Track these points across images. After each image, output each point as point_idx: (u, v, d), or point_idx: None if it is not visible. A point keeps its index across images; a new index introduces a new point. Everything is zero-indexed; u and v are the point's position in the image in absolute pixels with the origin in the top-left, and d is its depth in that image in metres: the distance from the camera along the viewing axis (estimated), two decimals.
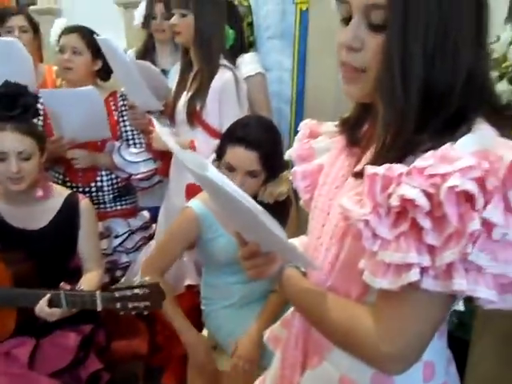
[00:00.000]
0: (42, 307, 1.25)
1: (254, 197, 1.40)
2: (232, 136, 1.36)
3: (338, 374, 0.72)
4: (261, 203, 1.38)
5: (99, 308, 1.22)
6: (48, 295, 1.26)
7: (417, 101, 0.58)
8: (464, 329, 1.53)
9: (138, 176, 1.82)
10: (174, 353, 1.77)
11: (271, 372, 0.90)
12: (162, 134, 0.68)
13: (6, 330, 1.35)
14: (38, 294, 1.28)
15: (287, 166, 1.47)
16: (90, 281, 1.47)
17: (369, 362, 0.64)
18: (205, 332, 1.60)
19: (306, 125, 0.88)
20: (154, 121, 0.77)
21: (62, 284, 1.29)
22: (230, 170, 1.34)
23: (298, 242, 0.88)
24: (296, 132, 0.91)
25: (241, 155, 1.32)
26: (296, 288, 0.75)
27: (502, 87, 1.25)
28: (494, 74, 1.26)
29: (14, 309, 1.35)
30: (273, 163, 1.35)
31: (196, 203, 1.43)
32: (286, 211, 1.47)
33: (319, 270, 0.72)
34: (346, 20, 0.62)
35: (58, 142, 1.69)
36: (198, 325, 1.56)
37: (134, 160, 1.81)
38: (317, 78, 2.01)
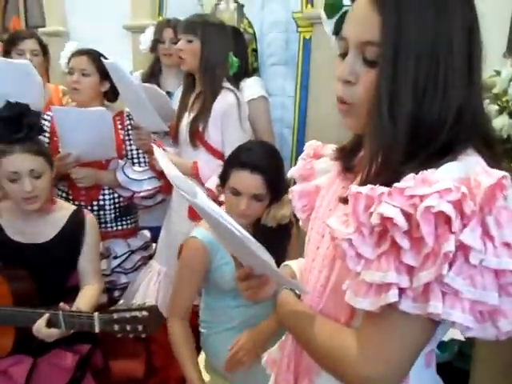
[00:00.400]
0: (40, 327, 1.24)
1: (258, 220, 1.42)
2: (236, 160, 1.38)
3: None
4: (264, 226, 1.39)
5: (97, 330, 1.21)
6: (47, 315, 1.25)
7: (404, 135, 0.60)
8: (464, 359, 1.52)
9: (142, 194, 1.83)
10: (171, 374, 1.74)
11: None
12: (159, 157, 0.70)
13: (3, 349, 1.34)
14: (36, 314, 1.27)
15: (288, 189, 1.49)
16: (87, 296, 1.46)
17: None
18: (202, 356, 1.58)
19: (310, 145, 0.90)
20: (155, 148, 0.79)
21: (61, 304, 1.28)
22: (236, 194, 1.35)
23: (296, 264, 0.89)
24: (297, 156, 0.93)
25: (246, 179, 1.34)
26: (288, 310, 0.76)
27: (502, 121, 1.27)
28: (494, 107, 1.29)
29: (13, 327, 1.34)
30: (277, 187, 1.36)
31: (201, 231, 1.41)
32: (288, 233, 1.47)
33: (308, 293, 0.74)
34: (344, 55, 0.65)
35: (65, 160, 1.70)
36: (196, 348, 1.54)
37: (137, 178, 1.82)
38: (319, 104, 2.05)
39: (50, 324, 1.25)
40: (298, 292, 0.80)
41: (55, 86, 2.18)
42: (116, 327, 1.19)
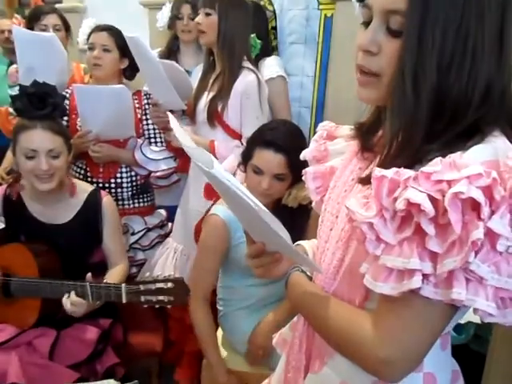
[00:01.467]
0: (71, 296, 1.27)
1: (279, 200, 1.42)
2: (260, 139, 1.37)
3: (338, 379, 0.72)
4: (285, 207, 1.40)
5: (124, 300, 1.24)
6: (74, 287, 1.28)
7: (427, 110, 0.58)
8: (480, 341, 1.52)
9: (158, 173, 1.84)
10: (187, 349, 1.79)
11: (276, 374, 0.91)
12: (176, 129, 0.69)
13: (28, 321, 1.38)
14: (64, 285, 1.30)
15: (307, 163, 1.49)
16: (115, 274, 1.49)
17: (365, 368, 0.64)
18: (219, 333, 1.61)
19: (323, 126, 0.89)
20: (171, 117, 0.77)
21: (88, 275, 1.30)
22: (258, 173, 1.35)
23: (309, 244, 0.88)
24: None
25: (269, 158, 1.34)
26: (300, 291, 0.76)
27: None
28: None
29: (38, 300, 1.38)
30: (299, 167, 1.35)
31: (220, 209, 1.42)
32: (307, 214, 1.48)
33: (322, 273, 0.73)
34: (367, 24, 0.63)
35: (84, 138, 1.71)
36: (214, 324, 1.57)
37: (154, 158, 1.83)
38: (338, 85, 2.02)
39: (77, 295, 1.29)
40: (309, 274, 0.80)
41: (77, 64, 2.18)
42: (142, 298, 1.21)
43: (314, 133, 0.91)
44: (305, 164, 1.36)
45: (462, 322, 1.36)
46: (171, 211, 2.03)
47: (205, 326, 1.42)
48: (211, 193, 1.75)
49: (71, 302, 1.28)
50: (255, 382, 1.37)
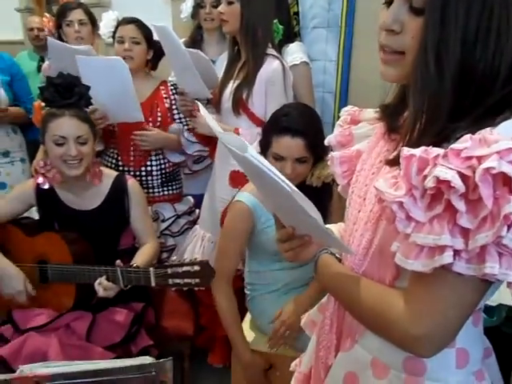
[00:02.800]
0: (102, 281, 1.33)
1: (303, 181, 1.43)
2: (276, 126, 1.38)
3: (370, 356, 0.73)
4: (309, 187, 1.41)
5: (153, 284, 1.28)
6: (105, 272, 1.34)
7: (452, 87, 0.57)
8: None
9: (195, 153, 1.91)
10: (218, 334, 1.83)
11: (307, 354, 0.93)
12: (207, 116, 0.70)
13: (66, 305, 1.44)
14: (96, 271, 1.36)
15: (330, 149, 1.49)
16: (144, 253, 1.54)
17: (398, 344, 0.64)
18: (248, 317, 1.64)
19: (346, 111, 0.89)
20: (199, 105, 0.79)
21: (117, 262, 1.36)
22: (279, 159, 1.36)
23: (335, 228, 0.89)
24: None
25: (288, 144, 1.35)
26: (331, 272, 0.77)
27: None
28: None
29: (73, 285, 1.44)
30: (318, 147, 1.36)
31: (245, 195, 1.45)
32: (330, 192, 1.48)
33: (353, 254, 0.74)
34: (389, 3, 0.63)
35: (92, 115, 1.70)
36: (241, 308, 1.60)
37: (194, 141, 1.89)
38: (362, 69, 1.99)
39: (109, 280, 1.34)
40: (338, 255, 0.81)
41: None
42: (170, 281, 1.25)
43: (338, 118, 0.91)
44: (323, 143, 1.37)
45: (493, 305, 1.33)
46: (198, 199, 2.07)
47: (227, 307, 1.45)
48: (236, 181, 1.78)
49: (103, 286, 1.34)
50: (282, 363, 1.41)
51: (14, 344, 1.34)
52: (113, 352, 1.38)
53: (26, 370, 0.81)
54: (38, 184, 1.52)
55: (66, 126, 1.43)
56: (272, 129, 1.40)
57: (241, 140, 0.61)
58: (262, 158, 0.61)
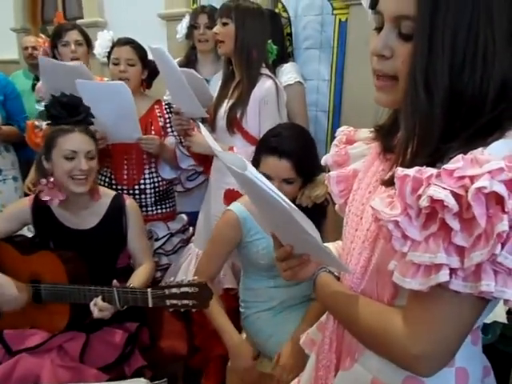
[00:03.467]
0: (98, 302, 1.31)
1: (293, 201, 1.43)
2: (265, 147, 1.40)
3: (370, 376, 0.73)
4: (299, 207, 1.41)
5: (150, 305, 1.27)
6: (101, 292, 1.33)
7: (442, 110, 0.59)
8: (506, 341, 1.50)
9: (190, 167, 1.92)
10: (212, 354, 1.80)
11: (306, 373, 0.92)
12: (207, 136, 0.72)
13: (59, 326, 1.42)
14: (92, 291, 1.34)
15: (324, 168, 1.50)
16: (140, 274, 1.53)
17: (398, 363, 0.64)
18: (243, 335, 1.63)
19: (342, 131, 0.90)
20: (201, 125, 0.81)
21: (114, 282, 1.34)
22: (267, 178, 1.37)
23: (333, 246, 0.89)
24: (332, 140, 0.92)
25: (275, 165, 1.36)
26: (329, 291, 0.77)
27: None
28: None
29: (68, 304, 1.42)
30: (307, 168, 1.38)
31: (237, 206, 1.48)
32: (324, 213, 1.49)
33: (351, 273, 0.74)
34: (379, 29, 0.64)
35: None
36: (237, 328, 1.58)
37: (188, 155, 1.90)
38: (354, 88, 2.03)
39: (105, 300, 1.33)
40: (336, 274, 0.81)
41: (100, 78, 2.25)
42: (167, 302, 1.24)
43: (331, 136, 0.93)
44: (313, 164, 1.38)
45: (488, 322, 1.34)
46: (191, 217, 2.07)
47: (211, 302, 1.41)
48: (231, 199, 1.78)
49: (99, 307, 1.32)
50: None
51: (5, 366, 1.31)
52: (107, 373, 1.36)
53: None
54: (33, 202, 1.51)
55: (78, 140, 1.45)
56: (261, 148, 1.42)
57: (241, 159, 0.62)
58: (261, 176, 0.62)
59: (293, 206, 0.64)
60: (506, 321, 1.35)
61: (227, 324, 1.46)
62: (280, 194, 0.63)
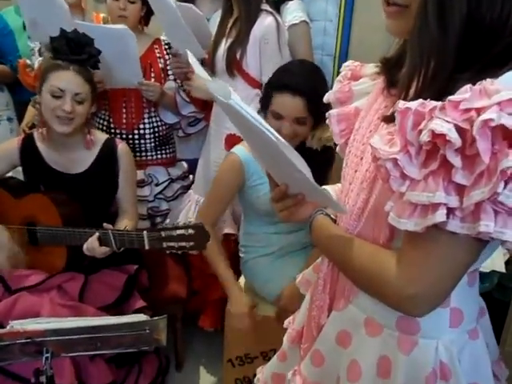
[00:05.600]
0: (92, 244, 1.31)
1: (303, 144, 1.40)
2: (277, 84, 1.34)
3: (363, 316, 0.73)
4: (309, 149, 1.38)
5: (147, 246, 1.26)
6: (97, 234, 1.32)
7: (456, 38, 0.55)
8: (503, 290, 1.52)
9: (190, 114, 1.85)
10: (210, 298, 1.84)
11: (300, 312, 0.93)
12: (193, 62, 0.68)
13: (57, 266, 1.43)
14: (87, 233, 1.34)
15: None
16: (126, 221, 1.51)
17: (391, 305, 0.64)
18: (242, 279, 1.65)
19: (347, 66, 0.86)
20: (188, 52, 0.76)
21: (105, 225, 1.33)
22: (278, 118, 1.33)
23: (332, 188, 0.87)
24: None
25: (288, 103, 1.31)
26: (325, 233, 0.76)
27: None
28: None
29: (65, 247, 1.42)
30: (319, 108, 1.32)
31: (240, 149, 1.44)
32: (332, 156, 1.45)
33: (346, 213, 0.73)
34: None
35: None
36: (236, 272, 1.60)
37: (190, 101, 1.83)
38: (364, 30, 1.92)
39: (101, 243, 1.32)
40: (333, 217, 0.80)
41: (96, 14, 2.14)
42: (164, 244, 1.23)
43: None
44: (326, 104, 1.34)
45: (486, 271, 1.35)
46: (191, 164, 2.04)
47: (212, 247, 1.42)
48: (232, 144, 1.74)
49: (93, 248, 1.31)
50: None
51: (5, 303, 1.33)
52: (106, 312, 1.38)
53: (17, 325, 0.80)
54: (22, 143, 1.47)
55: (68, 79, 1.39)
56: (273, 85, 1.36)
57: (226, 87, 0.59)
58: (246, 107, 0.59)
59: (281, 138, 0.61)
60: (503, 270, 1.35)
61: (228, 273, 1.46)
62: (267, 125, 0.60)
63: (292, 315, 1.35)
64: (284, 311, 1.38)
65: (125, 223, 1.49)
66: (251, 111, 0.59)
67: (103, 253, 1.33)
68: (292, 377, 0.87)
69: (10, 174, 1.57)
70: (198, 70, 0.66)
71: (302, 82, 1.31)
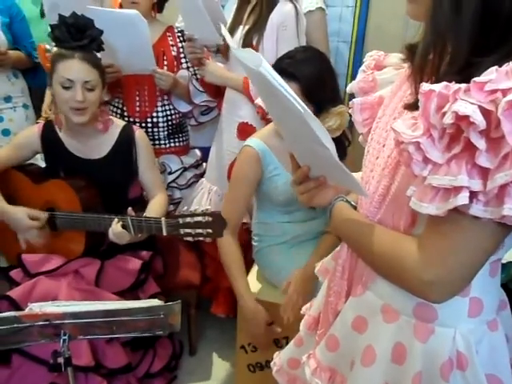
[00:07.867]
0: (116, 228, 1.31)
1: None
2: (275, 68, 1.33)
3: (380, 302, 0.73)
4: None
5: (165, 233, 1.27)
6: (116, 219, 1.33)
7: (471, 19, 0.54)
8: None
9: (203, 103, 1.85)
10: (222, 285, 1.85)
11: (318, 299, 0.94)
12: (226, 35, 0.68)
13: (76, 251, 1.45)
14: (106, 219, 1.35)
15: (341, 100, 1.43)
16: (156, 205, 1.52)
17: (411, 290, 0.64)
18: (255, 268, 1.65)
19: (371, 56, 0.85)
20: (221, 26, 0.77)
21: (129, 210, 1.34)
22: None
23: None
24: (354, 73, 0.87)
25: None
26: (345, 219, 0.76)
27: None
28: None
29: (83, 232, 1.44)
30: (319, 95, 1.31)
31: (255, 141, 1.43)
32: (343, 152, 1.44)
33: (367, 196, 0.72)
34: None
35: (108, 69, 1.65)
36: (248, 261, 1.60)
37: (202, 89, 1.83)
38: (381, 16, 1.89)
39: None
40: (353, 203, 0.79)
41: None
42: (181, 231, 1.24)
43: (353, 69, 0.87)
44: (326, 92, 1.31)
45: (503, 262, 1.33)
46: (204, 152, 2.04)
47: (232, 255, 1.43)
48: (245, 133, 1.73)
49: (116, 233, 1.33)
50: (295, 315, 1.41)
51: (24, 286, 1.36)
52: (121, 297, 1.40)
53: (36, 308, 0.81)
54: (43, 129, 1.48)
55: (75, 68, 1.38)
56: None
57: (256, 55, 0.59)
58: (276, 75, 0.58)
59: (308, 110, 0.61)
60: None
61: (244, 286, 1.42)
62: (295, 95, 0.60)
63: (304, 302, 1.37)
64: (293, 294, 1.38)
65: (155, 204, 1.50)
66: (280, 79, 0.59)
67: (128, 240, 1.34)
68: (307, 360, 0.88)
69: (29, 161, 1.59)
70: (230, 40, 0.67)
71: (300, 68, 1.29)
